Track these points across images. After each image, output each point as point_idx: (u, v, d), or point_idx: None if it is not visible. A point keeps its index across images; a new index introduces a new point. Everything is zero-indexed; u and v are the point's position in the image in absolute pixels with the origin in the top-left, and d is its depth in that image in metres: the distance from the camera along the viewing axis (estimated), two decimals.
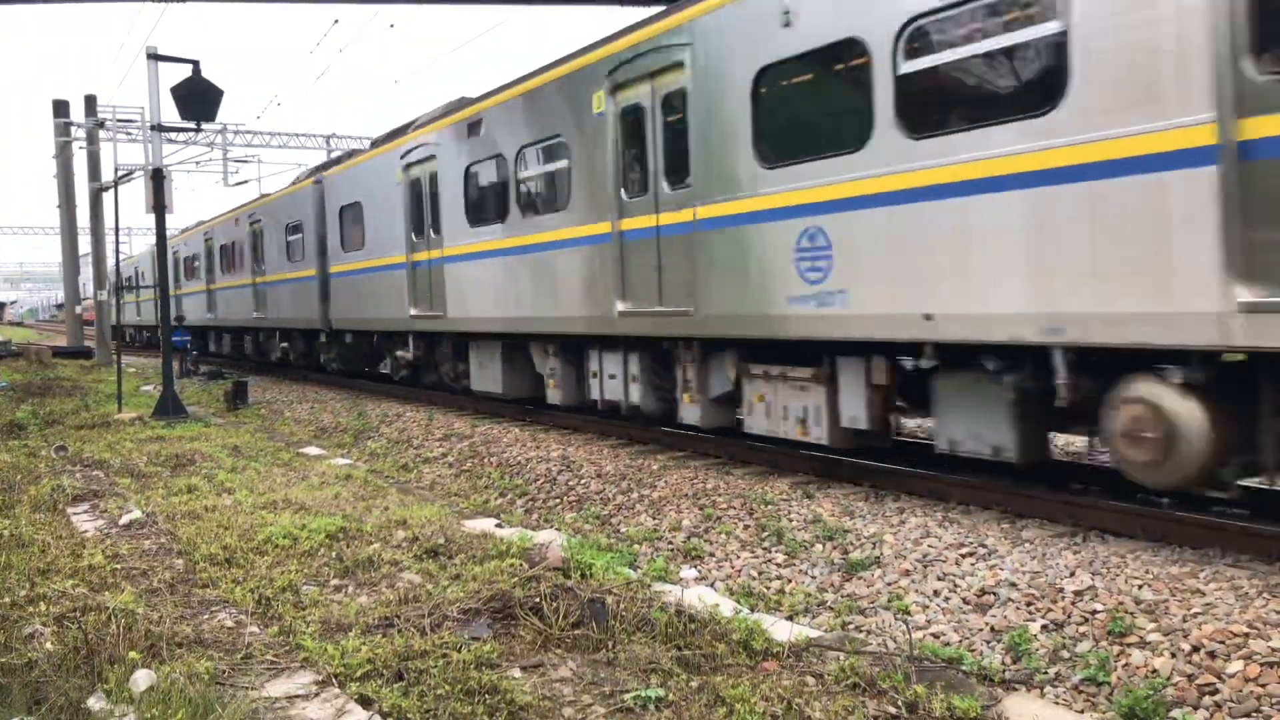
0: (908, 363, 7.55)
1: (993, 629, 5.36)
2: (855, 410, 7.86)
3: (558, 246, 10.89)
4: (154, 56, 15.43)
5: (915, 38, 6.76)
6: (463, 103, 13.47)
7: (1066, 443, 9.67)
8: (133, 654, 4.46)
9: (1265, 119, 5.04)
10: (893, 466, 8.09)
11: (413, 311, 14.57)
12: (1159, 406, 5.77)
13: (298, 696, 4.18)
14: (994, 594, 5.65)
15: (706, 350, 9.48)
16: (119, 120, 29.72)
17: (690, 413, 9.71)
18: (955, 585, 5.88)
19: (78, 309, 37.07)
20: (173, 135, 23.43)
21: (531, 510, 9.37)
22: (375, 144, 16.55)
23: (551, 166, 11.09)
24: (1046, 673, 4.88)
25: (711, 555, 7.23)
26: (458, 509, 8.94)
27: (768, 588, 6.53)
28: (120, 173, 22.47)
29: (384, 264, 15.54)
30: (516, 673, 4.44)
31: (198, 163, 30.74)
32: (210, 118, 15.84)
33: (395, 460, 12.39)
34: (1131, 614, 5.05)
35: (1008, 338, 6.39)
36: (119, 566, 6.30)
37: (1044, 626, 5.22)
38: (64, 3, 18.20)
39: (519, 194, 11.64)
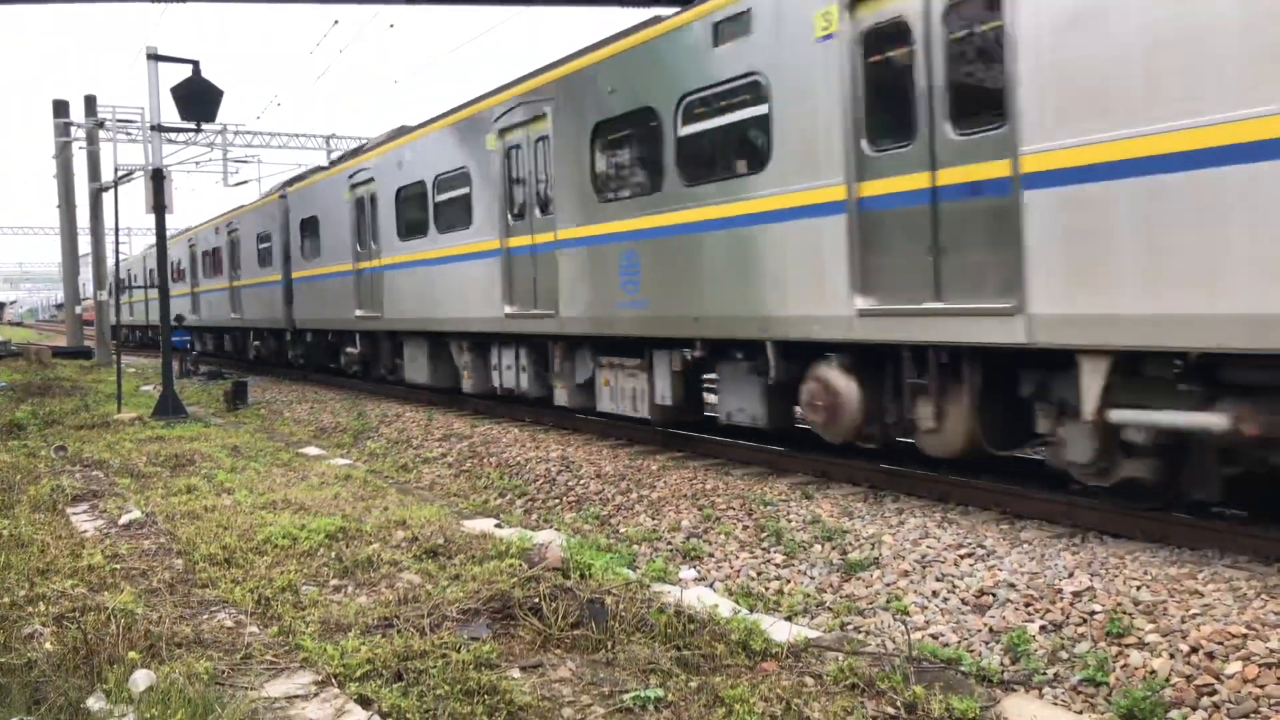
0: (698, 352, 9.40)
1: (991, 630, 5.36)
2: (664, 391, 9.95)
3: (464, 259, 12.99)
4: (154, 57, 15.44)
5: (688, 110, 8.96)
6: (401, 131, 15.80)
7: None
8: (132, 654, 4.46)
9: (873, 182, 7.23)
10: (891, 467, 8.09)
11: (358, 313, 16.69)
12: (829, 382, 7.87)
13: (297, 696, 4.18)
14: (993, 595, 5.66)
15: (571, 346, 11.43)
16: (119, 120, 29.71)
17: (561, 396, 11.76)
18: (954, 586, 5.89)
19: (77, 309, 37.08)
20: (173, 135, 23.50)
21: (531, 510, 9.38)
22: (333, 164, 18.79)
23: (459, 192, 13.12)
24: (1045, 673, 4.88)
25: (710, 556, 7.23)
26: (457, 509, 8.94)
27: (767, 588, 6.53)
28: (120, 173, 22.47)
29: (336, 271, 17.66)
30: (516, 673, 4.44)
31: (198, 163, 30.71)
32: (210, 118, 15.85)
33: (395, 460, 12.40)
34: (1130, 615, 5.06)
35: (743, 335, 8.58)
36: (118, 566, 6.31)
37: (1042, 627, 5.22)
38: (64, 2, 18.21)
39: (436, 214, 13.81)
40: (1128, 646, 4.85)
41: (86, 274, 45.99)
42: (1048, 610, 5.34)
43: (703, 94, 8.76)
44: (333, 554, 6.44)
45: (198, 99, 15.37)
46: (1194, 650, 4.65)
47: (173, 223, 17.08)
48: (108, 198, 31.04)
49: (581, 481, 9.58)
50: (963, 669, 4.83)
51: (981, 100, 6.50)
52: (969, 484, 7.43)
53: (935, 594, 5.87)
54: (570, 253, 10.63)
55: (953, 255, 6.70)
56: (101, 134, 31.19)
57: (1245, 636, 4.62)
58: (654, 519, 8.17)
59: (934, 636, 5.44)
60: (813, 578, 6.50)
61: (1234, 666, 4.47)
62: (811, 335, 7.78)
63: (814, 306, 7.71)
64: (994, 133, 6.35)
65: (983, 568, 5.99)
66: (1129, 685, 4.58)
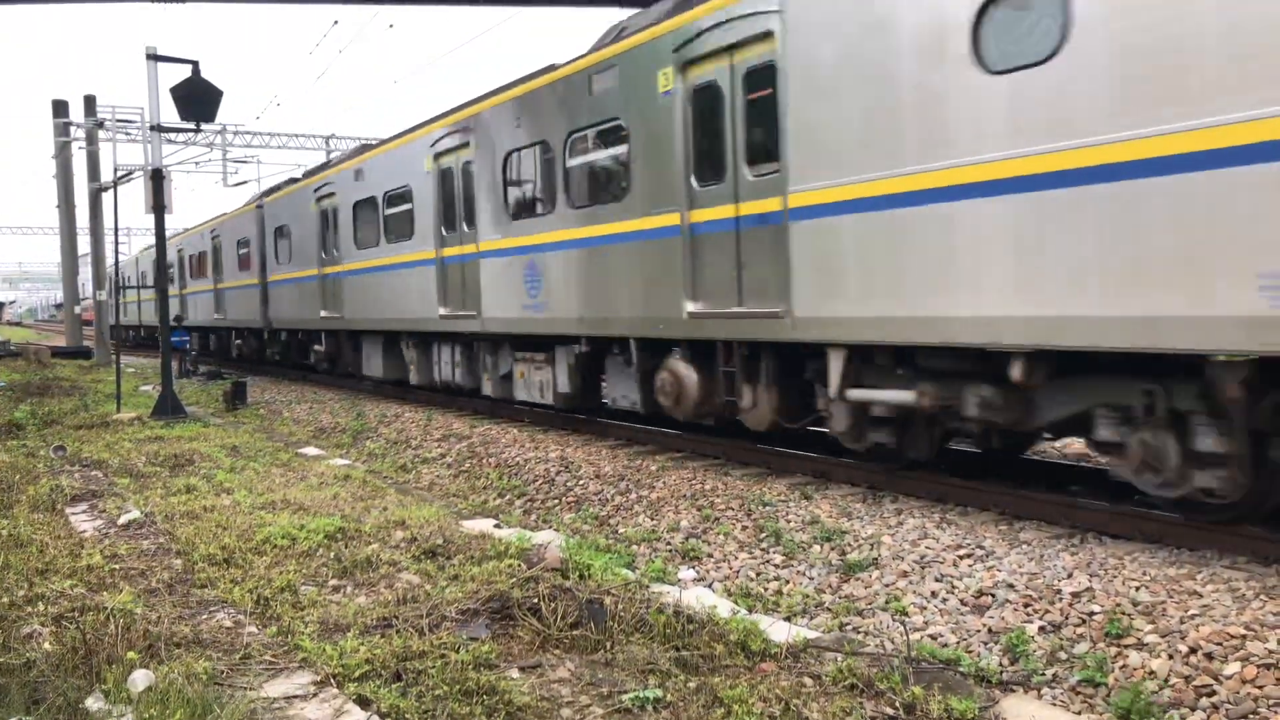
0: (585, 348, 11.04)
1: (990, 630, 5.36)
2: (564, 381, 11.56)
3: (408, 266, 14.63)
4: (153, 57, 15.43)
5: (573, 145, 10.65)
6: (362, 149, 17.63)
7: (1064, 444, 9.67)
8: (131, 654, 4.46)
9: (699, 211, 8.92)
10: (890, 469, 8.10)
11: (323, 314, 18.37)
12: (675, 371, 9.54)
13: (296, 697, 4.18)
14: (991, 595, 5.66)
15: (495, 343, 13.12)
16: (118, 120, 29.71)
17: (487, 387, 13.42)
18: (953, 586, 5.89)
19: (76, 309, 37.06)
20: (172, 136, 23.65)
21: (530, 511, 9.38)
22: (304, 176, 20.27)
23: (404, 207, 14.77)
24: (1044, 674, 4.89)
25: (709, 556, 7.23)
26: (456, 509, 8.94)
27: (766, 589, 6.53)
28: (119, 173, 22.46)
29: (304, 275, 19.32)
30: (514, 673, 4.44)
31: (197, 163, 30.69)
32: (210, 118, 15.83)
33: (394, 461, 12.40)
34: (1129, 615, 5.06)
35: (614, 333, 10.22)
36: (117, 567, 6.31)
37: (1041, 628, 5.22)
38: (64, 2, 18.21)
39: (385, 226, 15.52)
40: (1126, 647, 4.85)
41: (86, 274, 45.98)
42: (1047, 611, 5.34)
43: (584, 132, 10.48)
44: (332, 554, 6.44)
45: (197, 99, 15.37)
46: (1193, 651, 4.65)
47: (172, 223, 17.27)
48: (107, 198, 31.06)
49: (580, 482, 9.59)
50: (961, 669, 4.83)
51: (767, 149, 8.13)
52: (968, 485, 7.44)
53: (934, 594, 5.88)
54: (488, 262, 12.40)
55: (749, 270, 8.38)
56: (101, 134, 31.19)
57: (1244, 637, 4.63)
58: (653, 519, 8.17)
59: (933, 637, 5.44)
60: (812, 578, 6.51)
61: (1233, 667, 4.47)
62: (660, 333, 9.55)
63: (661, 310, 9.43)
64: (773, 176, 8.02)
65: (981, 568, 5.99)
66: (1127, 686, 4.58)
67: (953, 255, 6.55)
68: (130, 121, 29.17)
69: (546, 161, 11.11)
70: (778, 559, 6.88)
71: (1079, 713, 4.57)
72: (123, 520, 7.67)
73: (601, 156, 10.39)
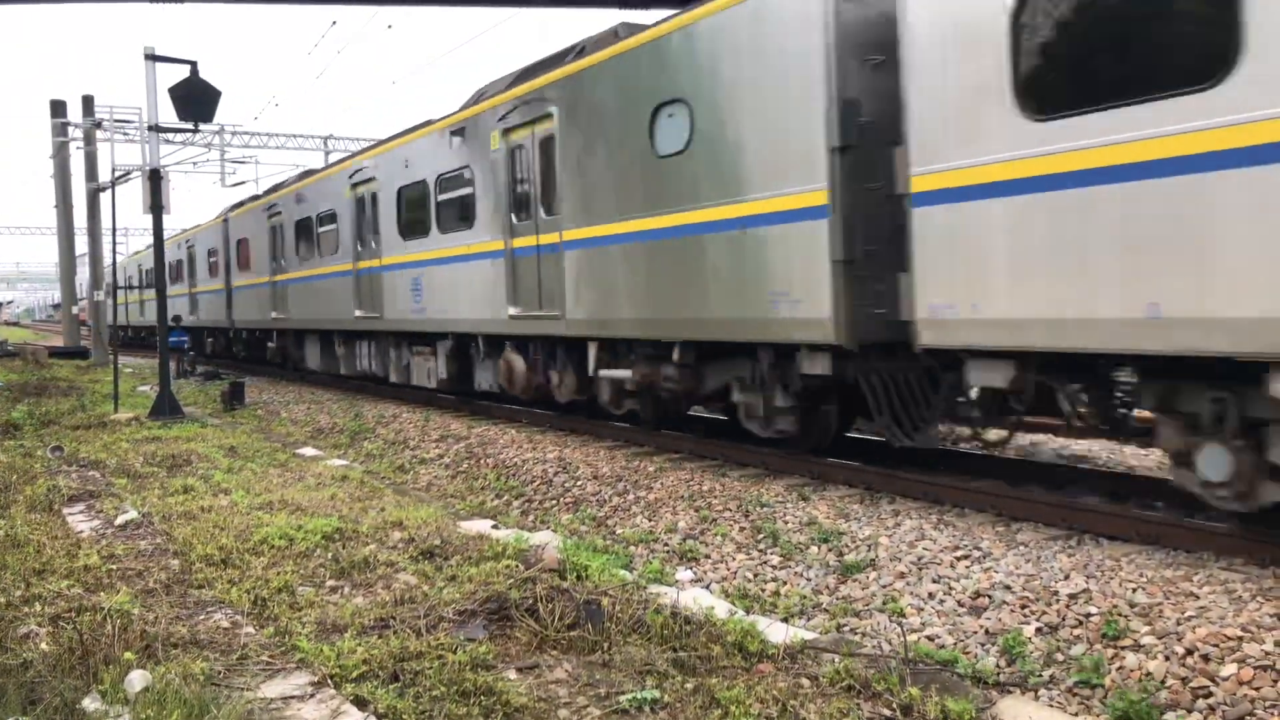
0: (451, 343, 14.17)
1: (987, 631, 5.37)
2: (443, 369, 14.36)
3: (335, 275, 17.72)
4: (151, 57, 15.42)
5: (440, 184, 13.68)
6: (308, 173, 20.83)
7: (1062, 445, 9.69)
8: (128, 654, 4.46)
9: (516, 239, 11.80)
10: (888, 470, 8.10)
11: (274, 315, 21.38)
12: (509, 359, 12.53)
13: (293, 697, 4.18)
14: (989, 596, 5.66)
15: (396, 339, 16.01)
16: (116, 120, 29.73)
17: (393, 375, 16.21)
18: (950, 588, 5.89)
19: (74, 309, 37.02)
20: (170, 136, 23.78)
21: (528, 512, 9.38)
22: (265, 193, 23.22)
23: (330, 227, 17.97)
24: (1041, 675, 4.89)
25: (707, 557, 7.23)
26: (454, 510, 8.94)
27: (763, 590, 6.54)
28: (117, 173, 22.45)
29: (260, 281, 22.32)
30: (512, 674, 4.44)
31: (195, 163, 30.74)
32: (208, 118, 15.80)
33: (391, 461, 12.39)
34: (1125, 617, 5.06)
35: (467, 331, 13.22)
36: (114, 567, 6.30)
37: (1038, 629, 5.23)
38: (63, 2, 18.18)
39: (319, 241, 18.50)
40: (1123, 648, 4.86)
41: (84, 274, 45.92)
42: (1043, 612, 5.35)
43: (447, 175, 13.50)
44: (329, 555, 6.44)
45: (195, 99, 15.34)
46: (1189, 652, 4.66)
47: (169, 224, 17.43)
48: (105, 198, 31.03)
49: (578, 483, 9.59)
50: (958, 671, 4.84)
51: (552, 199, 11.10)
52: (965, 486, 7.45)
53: (931, 596, 5.88)
54: (388, 274, 15.40)
55: (545, 284, 11.25)
56: (99, 134, 31.19)
57: (1240, 639, 4.63)
58: (651, 520, 8.17)
59: (930, 638, 5.44)
60: (809, 579, 6.51)
61: (1229, 669, 4.48)
62: (493, 331, 12.55)
63: (493, 313, 12.37)
64: (555, 217, 11.02)
65: (979, 569, 5.99)
66: (1124, 687, 4.59)
67: (639, 277, 9.61)
68: (128, 121, 29.19)
69: (424, 196, 14.18)
70: (775, 560, 6.89)
71: (1076, 714, 4.57)
72: (120, 520, 7.66)
73: (458, 194, 13.25)
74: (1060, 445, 9.77)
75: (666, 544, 7.61)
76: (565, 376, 11.64)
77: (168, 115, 15.78)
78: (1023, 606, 5.46)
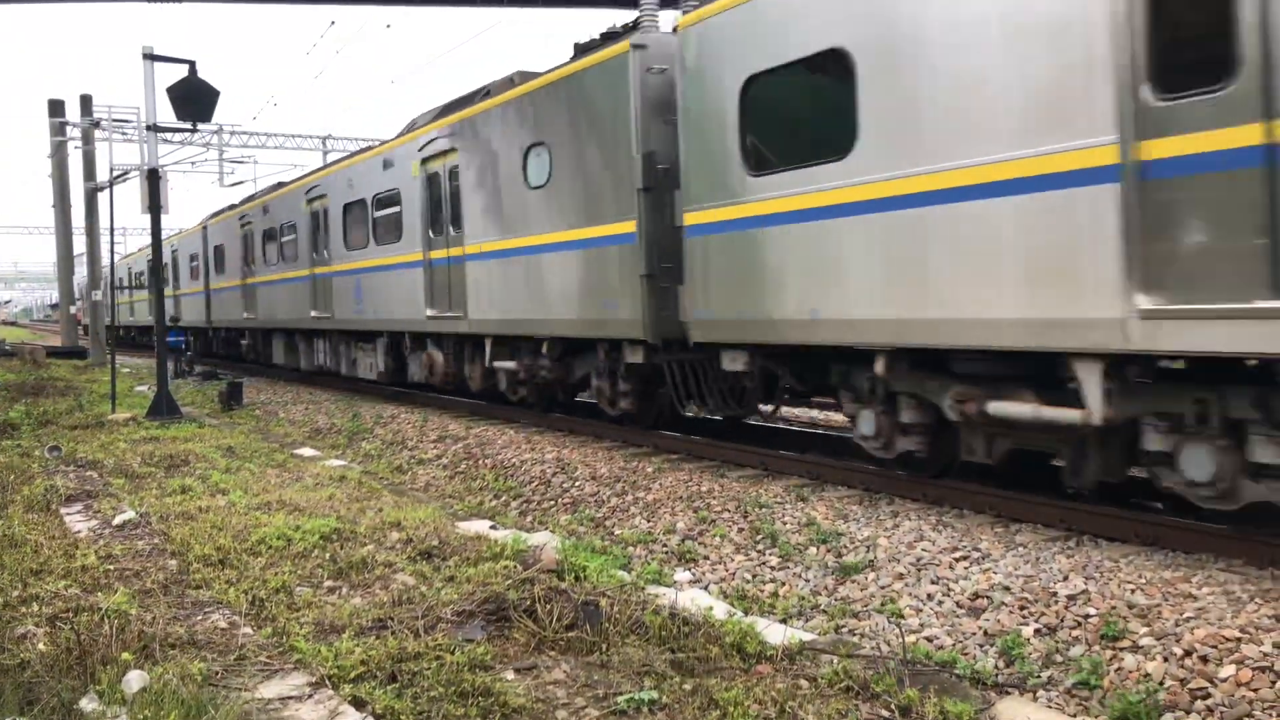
0: (386, 340, 16.40)
1: (986, 633, 5.36)
2: (382, 363, 16.43)
3: (295, 280, 19.74)
4: (150, 56, 15.41)
5: (376, 202, 15.80)
6: (278, 186, 22.86)
7: (822, 417, 9.92)
8: (125, 655, 4.45)
9: (433, 252, 13.81)
10: (887, 471, 8.10)
11: (245, 315, 23.61)
12: (430, 354, 14.55)
13: (291, 698, 4.18)
14: (987, 598, 5.66)
15: (345, 336, 18.13)
16: (114, 120, 29.70)
17: (344, 368, 18.31)
18: (949, 589, 5.89)
19: (72, 309, 36.99)
20: (168, 135, 23.84)
21: (526, 512, 9.37)
22: (242, 202, 25.12)
23: (290, 236, 20.09)
24: (1039, 676, 4.89)
25: (705, 558, 7.23)
26: (452, 511, 8.93)
27: (761, 591, 6.53)
28: (116, 173, 22.43)
29: (234, 285, 24.46)
30: (510, 675, 4.44)
31: (193, 163, 30.73)
32: (206, 118, 15.80)
33: (390, 462, 12.39)
34: (1124, 618, 5.06)
35: (394, 329, 15.56)
36: (112, 567, 6.29)
37: (1037, 630, 5.23)
38: (62, 2, 18.17)
39: (281, 248, 20.70)
40: (1122, 650, 4.85)
41: (83, 273, 45.85)
42: (1042, 613, 5.35)
43: (381, 195, 15.56)
44: (327, 555, 6.43)
45: (194, 99, 15.33)
46: (1188, 654, 4.66)
47: (167, 223, 17.55)
48: (103, 197, 31.02)
49: (577, 484, 9.58)
50: (957, 672, 4.84)
51: (458, 218, 13.15)
52: (964, 487, 7.44)
53: (930, 597, 5.88)
54: (336, 279, 17.51)
55: (453, 290, 13.29)
56: (97, 133, 31.16)
57: (1239, 640, 4.63)
58: (649, 521, 8.17)
59: (929, 639, 5.44)
60: (808, 580, 6.51)
61: (1228, 670, 4.48)
62: (416, 329, 14.65)
63: (416, 314, 14.36)
64: (459, 234, 13.05)
65: (977, 571, 5.99)
66: (1123, 688, 4.59)
67: (517, 285, 11.73)
68: (126, 121, 29.17)
69: (365, 213, 16.27)
70: (774, 561, 6.88)
71: (1074, 715, 4.57)
72: (117, 521, 7.65)
73: (390, 212, 15.27)
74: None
75: (665, 545, 7.61)
76: (474, 368, 13.62)
77: (166, 115, 15.79)
78: (1021, 608, 5.46)
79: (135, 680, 4.13)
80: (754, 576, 6.75)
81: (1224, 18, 5.03)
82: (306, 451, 12.56)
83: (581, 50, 10.86)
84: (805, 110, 7.82)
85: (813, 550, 6.85)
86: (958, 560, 6.19)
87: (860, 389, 7.86)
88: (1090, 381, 5.97)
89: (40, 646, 4.66)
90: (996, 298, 6.27)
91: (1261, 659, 4.48)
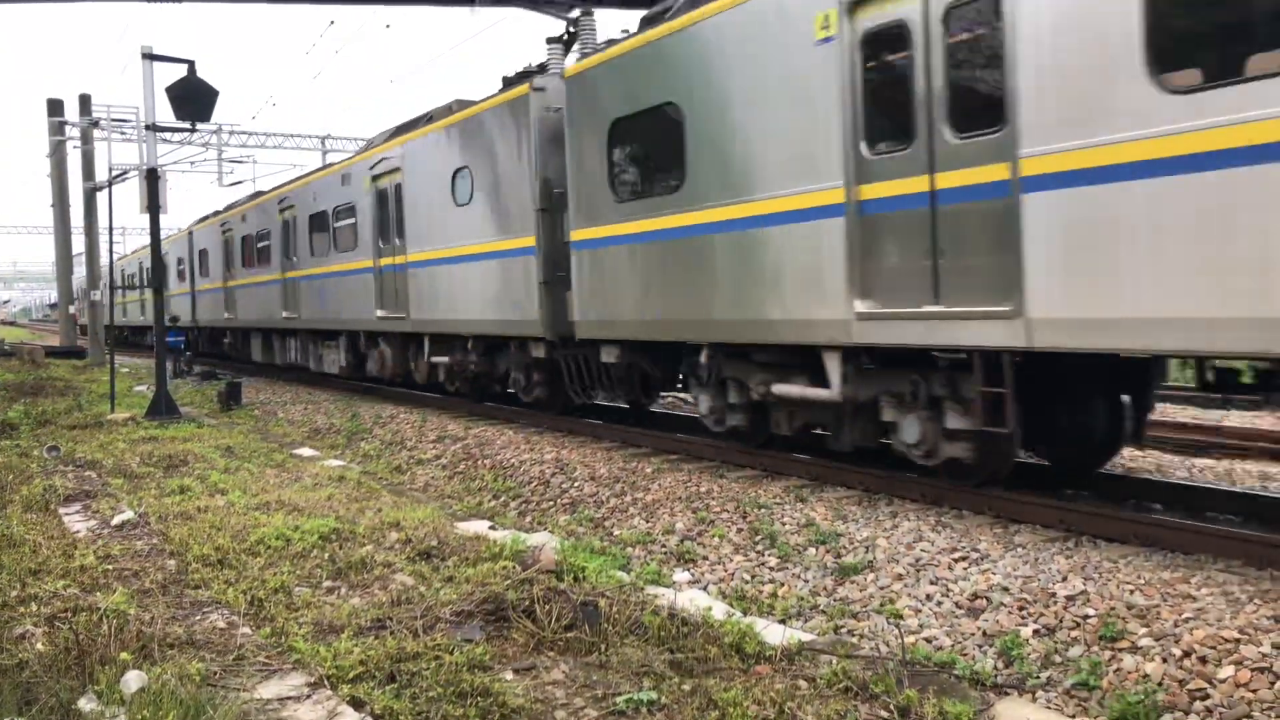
0: (345, 338, 18.04)
1: (985, 633, 5.36)
2: (344, 359, 17.91)
3: (270, 284, 21.38)
4: (149, 56, 15.41)
5: (335, 214, 17.49)
6: (257, 194, 24.36)
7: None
8: (124, 655, 4.45)
9: (383, 259, 15.71)
10: (886, 472, 8.10)
11: (226, 315, 25.38)
12: (382, 351, 16.35)
13: (289, 698, 4.17)
14: (986, 598, 5.66)
15: (313, 334, 19.66)
16: (113, 120, 29.67)
17: (312, 364, 19.83)
18: (948, 589, 5.89)
19: (71, 309, 36.96)
20: (167, 135, 23.82)
21: (525, 513, 9.37)
22: (224, 210, 26.71)
23: (266, 243, 21.75)
24: (1038, 677, 4.89)
25: (704, 559, 7.23)
26: (451, 511, 8.93)
27: (760, 591, 6.53)
28: (114, 172, 22.43)
29: (216, 287, 26.33)
30: (509, 675, 4.44)
31: (193, 163, 30.68)
32: (205, 118, 15.81)
33: (388, 462, 12.38)
34: (1123, 619, 5.06)
35: (353, 329, 17.14)
36: (111, 567, 6.29)
37: (1036, 631, 5.23)
38: (64, 2, 18.19)
39: (257, 254, 22.39)
40: (1121, 650, 4.85)
41: (82, 273, 45.82)
42: (1041, 614, 5.35)
43: (340, 208, 17.25)
44: (326, 555, 6.43)
45: (193, 99, 15.34)
46: (1187, 654, 4.66)
47: (166, 223, 17.59)
48: (102, 197, 31.01)
49: (576, 484, 9.58)
50: (956, 673, 4.84)
51: (402, 230, 14.83)
52: (963, 488, 7.44)
53: (929, 597, 5.88)
54: (304, 282, 19.19)
55: (399, 293, 14.92)
56: (96, 133, 31.13)
57: (1238, 641, 4.63)
58: (648, 522, 8.17)
59: (928, 640, 5.44)
60: (807, 581, 6.50)
61: (1226, 671, 4.48)
62: (369, 328, 16.35)
63: (368, 314, 16.05)
64: (403, 243, 14.76)
65: (976, 571, 5.99)
66: (1122, 689, 4.58)
67: (445, 288, 13.53)
68: (125, 121, 29.14)
69: (326, 223, 17.91)
70: (773, 561, 6.88)
71: (1073, 716, 4.57)
72: (116, 521, 7.65)
73: (348, 222, 16.96)
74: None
75: (664, 545, 7.61)
76: (418, 364, 15.23)
77: (165, 114, 15.79)
78: (1020, 608, 5.46)
79: (134, 680, 4.12)
80: (753, 577, 6.74)
81: (907, 97, 6.84)
82: (305, 451, 12.56)
83: (507, 84, 12.50)
84: (653, 151, 9.55)
85: (812, 551, 6.84)
86: (956, 561, 6.19)
87: (701, 376, 9.52)
88: (833, 368, 7.73)
89: (39, 646, 4.66)
90: (776, 302, 8.03)
91: (1260, 660, 4.48)
